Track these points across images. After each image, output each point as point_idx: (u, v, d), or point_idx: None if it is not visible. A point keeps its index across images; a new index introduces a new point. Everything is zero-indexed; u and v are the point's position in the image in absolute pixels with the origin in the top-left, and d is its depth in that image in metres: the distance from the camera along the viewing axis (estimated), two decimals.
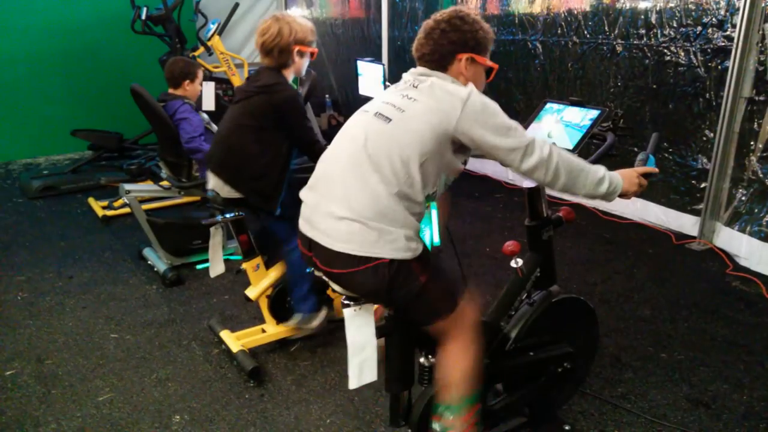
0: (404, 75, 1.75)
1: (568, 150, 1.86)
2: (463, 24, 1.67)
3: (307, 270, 2.58)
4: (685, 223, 3.92)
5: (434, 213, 1.93)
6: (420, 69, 1.71)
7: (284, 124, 2.46)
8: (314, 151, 2.56)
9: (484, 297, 1.82)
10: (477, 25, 1.69)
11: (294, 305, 2.69)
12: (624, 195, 1.74)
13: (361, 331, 1.65)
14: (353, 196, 1.56)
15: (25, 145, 6.27)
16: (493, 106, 1.58)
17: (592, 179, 1.66)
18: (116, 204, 4.56)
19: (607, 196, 1.71)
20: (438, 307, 1.66)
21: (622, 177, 1.73)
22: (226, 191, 2.54)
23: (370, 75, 4.30)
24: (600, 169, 1.69)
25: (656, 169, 1.82)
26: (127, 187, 3.64)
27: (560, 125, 2.00)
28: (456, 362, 1.69)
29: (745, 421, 2.23)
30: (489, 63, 1.74)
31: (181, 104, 3.46)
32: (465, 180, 4.82)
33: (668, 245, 3.82)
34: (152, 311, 3.14)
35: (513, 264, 1.95)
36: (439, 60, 1.69)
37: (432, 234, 1.95)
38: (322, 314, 2.74)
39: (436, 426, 1.74)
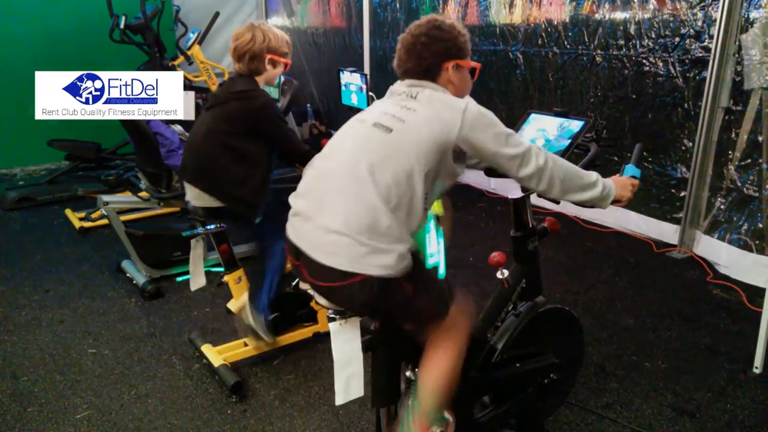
0: (395, 87, 1.74)
1: None
2: (442, 33, 1.68)
3: (271, 289, 2.54)
4: (666, 231, 3.95)
5: (441, 243, 1.88)
6: (409, 81, 1.71)
7: (263, 130, 2.44)
8: (300, 154, 2.54)
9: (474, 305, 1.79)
10: (455, 30, 1.71)
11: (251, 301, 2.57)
12: (618, 200, 1.77)
13: (347, 346, 1.63)
14: (349, 209, 1.52)
15: (0, 155, 6.13)
16: (490, 115, 1.61)
17: (586, 185, 1.69)
18: (94, 215, 4.48)
19: (602, 201, 1.73)
20: (425, 316, 1.65)
21: (614, 183, 1.77)
22: (204, 201, 2.49)
23: (352, 84, 4.30)
24: (592, 174, 1.72)
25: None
26: (105, 198, 3.58)
27: (544, 136, 2.00)
28: (435, 368, 1.67)
29: (729, 430, 2.24)
30: (472, 64, 1.76)
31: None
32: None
33: (649, 253, 3.86)
34: (131, 325, 3.08)
35: (499, 275, 1.94)
36: (425, 71, 1.69)
37: (439, 265, 1.91)
38: (266, 335, 2.56)
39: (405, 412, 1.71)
